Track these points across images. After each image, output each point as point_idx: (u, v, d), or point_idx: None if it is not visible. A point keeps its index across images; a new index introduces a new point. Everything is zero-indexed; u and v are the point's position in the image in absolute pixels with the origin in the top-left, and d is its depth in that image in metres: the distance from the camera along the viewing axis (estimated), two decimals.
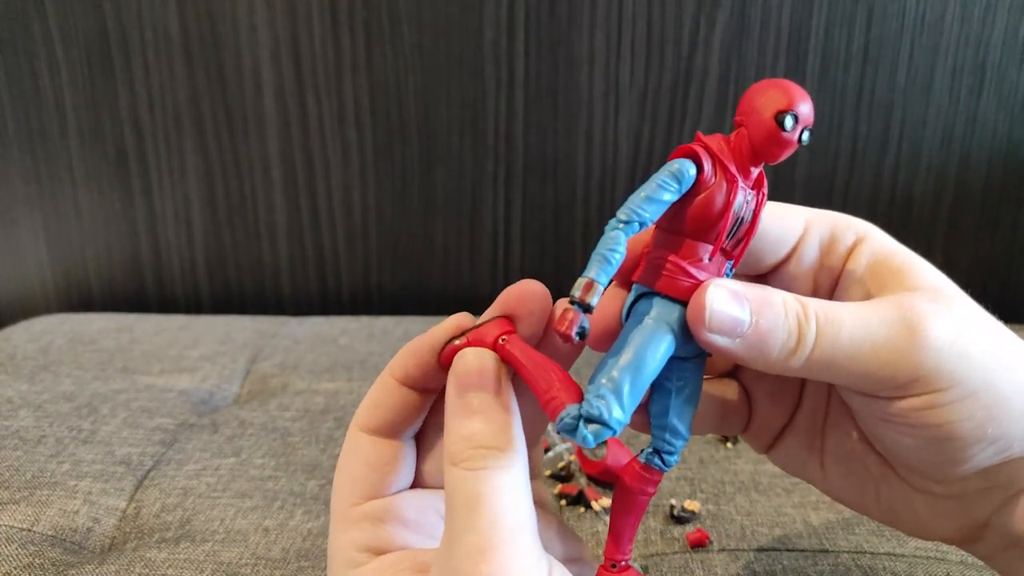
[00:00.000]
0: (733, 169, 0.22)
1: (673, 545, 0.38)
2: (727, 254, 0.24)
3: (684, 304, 0.23)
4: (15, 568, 0.36)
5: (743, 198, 0.23)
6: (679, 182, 0.22)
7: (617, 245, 0.21)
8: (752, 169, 0.23)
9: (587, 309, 0.21)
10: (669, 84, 0.65)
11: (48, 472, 0.43)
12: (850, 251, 0.26)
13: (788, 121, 0.21)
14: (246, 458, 0.45)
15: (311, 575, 0.35)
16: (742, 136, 0.22)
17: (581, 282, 0.21)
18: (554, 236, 0.69)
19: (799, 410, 0.29)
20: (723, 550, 0.37)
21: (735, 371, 0.29)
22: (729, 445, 0.46)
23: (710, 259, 0.23)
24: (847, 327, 0.23)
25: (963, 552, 0.36)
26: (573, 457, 0.44)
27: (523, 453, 0.22)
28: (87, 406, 0.50)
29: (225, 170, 0.69)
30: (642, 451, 0.25)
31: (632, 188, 0.70)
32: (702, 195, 0.22)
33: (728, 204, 0.22)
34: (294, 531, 0.38)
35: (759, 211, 0.23)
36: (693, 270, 0.23)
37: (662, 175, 0.22)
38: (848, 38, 0.63)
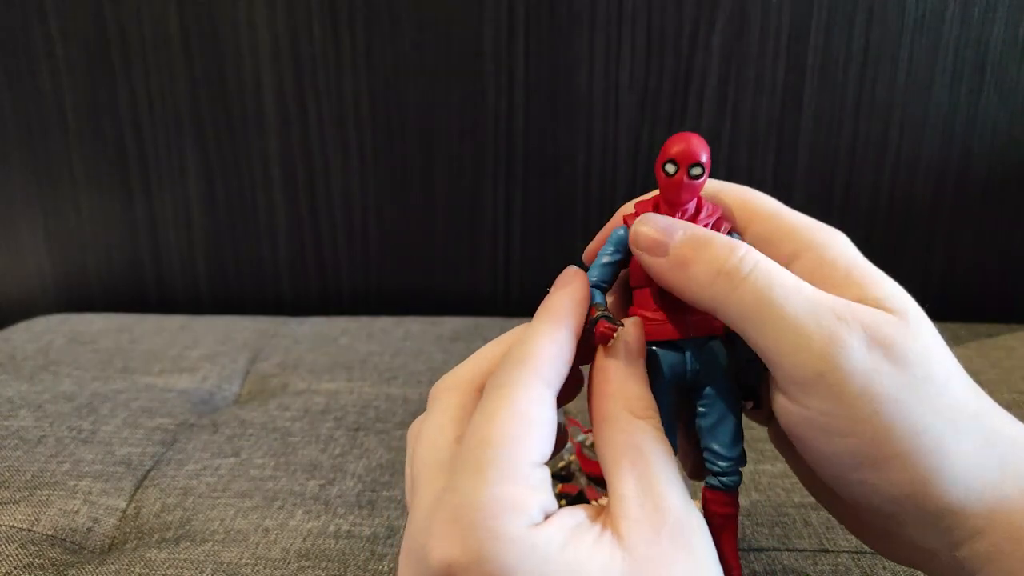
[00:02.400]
0: None
1: None
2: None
3: (654, 343, 0.26)
4: (15, 568, 0.36)
5: None
6: (614, 243, 0.26)
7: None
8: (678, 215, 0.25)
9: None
10: (669, 84, 0.65)
11: (48, 472, 0.43)
12: (790, 258, 0.25)
13: (669, 167, 0.24)
14: (246, 458, 0.45)
15: (311, 575, 0.35)
16: (658, 193, 0.26)
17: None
18: (554, 236, 0.69)
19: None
20: None
21: None
22: None
23: (658, 303, 0.26)
24: (782, 287, 0.22)
25: None
26: (573, 457, 0.44)
27: None
28: (87, 406, 0.50)
29: (225, 170, 0.69)
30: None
31: (632, 188, 0.71)
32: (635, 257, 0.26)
33: None
34: (294, 531, 0.38)
35: None
36: (648, 313, 0.26)
37: (606, 242, 0.27)
38: (848, 38, 0.63)
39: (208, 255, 0.72)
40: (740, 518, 0.40)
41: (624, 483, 0.22)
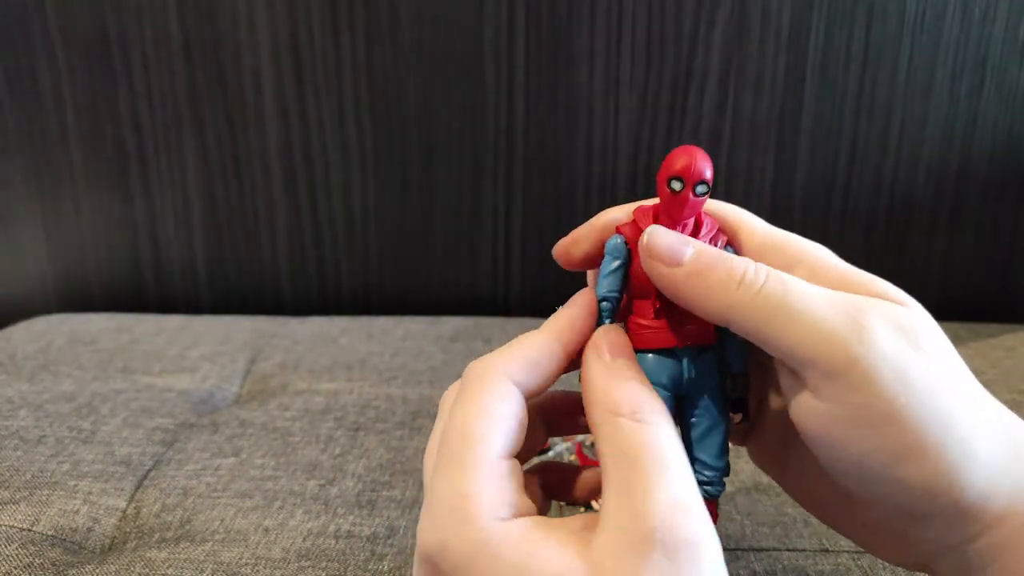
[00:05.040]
0: None
1: None
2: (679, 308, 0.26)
3: (652, 351, 0.26)
4: (15, 568, 0.36)
5: None
6: (612, 252, 0.26)
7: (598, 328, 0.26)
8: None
9: None
10: (669, 83, 0.65)
11: (48, 472, 0.43)
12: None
13: (675, 184, 0.24)
14: (246, 458, 0.45)
15: (311, 575, 0.35)
16: (659, 203, 0.26)
17: None
18: (554, 236, 0.69)
19: (766, 423, 0.29)
20: (723, 549, 0.37)
21: None
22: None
23: (657, 311, 0.26)
24: (798, 287, 0.22)
25: None
26: (573, 457, 0.44)
27: None
28: (87, 406, 0.50)
29: (225, 170, 0.69)
30: None
31: (632, 188, 0.71)
32: (634, 261, 0.26)
33: None
34: (294, 531, 0.38)
35: None
36: (646, 321, 0.26)
37: (604, 255, 0.27)
38: (848, 37, 0.63)
39: (208, 255, 0.72)
40: (740, 518, 0.40)
41: (607, 490, 0.22)
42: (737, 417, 0.28)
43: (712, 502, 0.26)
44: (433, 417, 0.49)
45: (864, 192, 0.67)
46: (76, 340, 0.61)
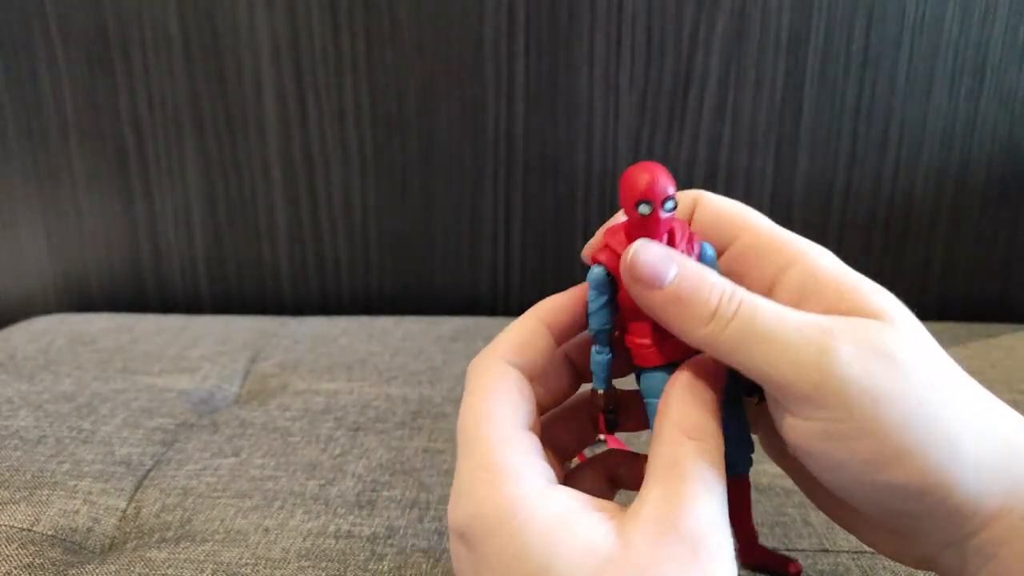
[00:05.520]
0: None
1: None
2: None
3: (658, 369, 0.26)
4: (15, 568, 0.36)
5: None
6: (598, 287, 0.26)
7: (594, 357, 0.27)
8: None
9: (606, 410, 0.27)
10: (669, 85, 0.65)
11: (48, 472, 0.43)
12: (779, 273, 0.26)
13: (644, 208, 0.24)
14: (246, 458, 0.45)
15: (311, 575, 0.35)
16: (627, 222, 0.26)
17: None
18: (554, 236, 0.70)
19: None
20: None
21: None
22: None
23: (656, 327, 0.26)
24: (766, 316, 0.23)
25: None
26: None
27: None
28: (87, 406, 0.50)
29: (225, 170, 0.69)
30: None
31: None
32: (621, 287, 0.26)
33: None
34: (294, 531, 0.38)
35: None
36: (646, 340, 0.26)
37: (589, 289, 0.27)
38: (848, 39, 0.63)
39: (208, 255, 0.72)
40: None
41: (650, 490, 0.22)
42: (754, 400, 0.28)
43: (744, 477, 0.28)
44: (433, 417, 0.49)
45: (864, 192, 0.68)
46: (76, 340, 0.61)
